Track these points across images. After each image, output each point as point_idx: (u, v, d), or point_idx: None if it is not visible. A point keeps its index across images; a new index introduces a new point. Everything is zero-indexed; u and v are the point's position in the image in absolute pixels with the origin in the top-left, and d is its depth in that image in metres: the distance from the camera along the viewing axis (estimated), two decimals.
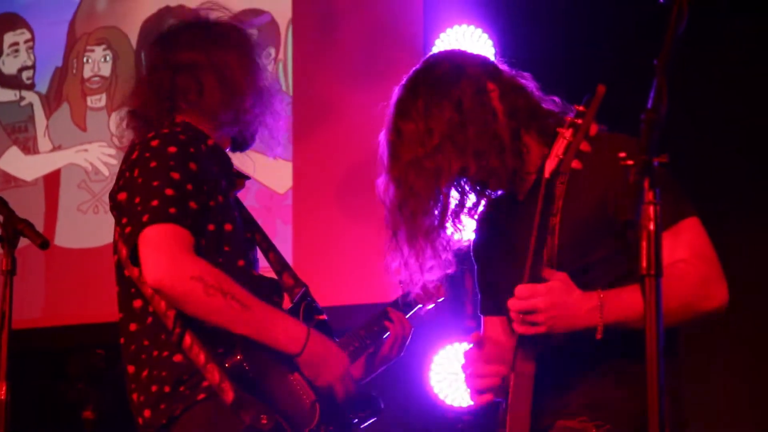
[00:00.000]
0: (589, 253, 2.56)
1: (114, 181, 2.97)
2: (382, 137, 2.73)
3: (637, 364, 1.99)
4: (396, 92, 2.74)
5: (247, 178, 3.14)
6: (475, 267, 2.88)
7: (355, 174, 4.87)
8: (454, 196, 2.69)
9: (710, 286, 2.52)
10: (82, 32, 5.58)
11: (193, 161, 2.87)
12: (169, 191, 2.80)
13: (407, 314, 3.18)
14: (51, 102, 5.57)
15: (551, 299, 2.42)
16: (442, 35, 4.81)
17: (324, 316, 3.06)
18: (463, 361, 2.62)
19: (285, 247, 3.21)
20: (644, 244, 1.88)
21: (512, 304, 2.45)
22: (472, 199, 2.72)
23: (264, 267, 3.12)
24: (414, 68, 2.77)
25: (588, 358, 2.54)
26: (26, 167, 5.54)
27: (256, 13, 5.23)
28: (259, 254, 3.13)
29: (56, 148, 5.51)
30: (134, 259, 2.81)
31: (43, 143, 5.54)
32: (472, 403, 2.72)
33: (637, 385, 2.05)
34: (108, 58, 5.52)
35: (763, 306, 4.47)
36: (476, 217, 2.79)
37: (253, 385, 2.77)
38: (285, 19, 5.25)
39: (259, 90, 3.08)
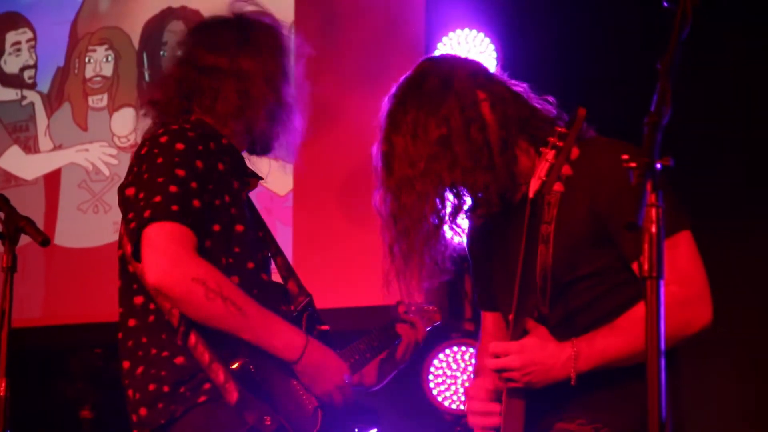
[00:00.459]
0: (582, 263, 2.57)
1: (113, 181, 2.97)
2: (375, 149, 2.74)
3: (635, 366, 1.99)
4: (386, 103, 2.74)
5: (261, 178, 3.11)
6: (470, 262, 2.89)
7: (356, 176, 4.87)
8: (451, 200, 2.70)
9: (692, 310, 2.51)
10: (84, 32, 5.58)
11: (200, 159, 2.86)
12: (172, 188, 2.79)
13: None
14: (52, 101, 5.57)
15: (525, 358, 2.45)
16: (444, 39, 4.81)
17: (326, 327, 3.04)
18: (462, 363, 2.63)
19: (285, 249, 3.20)
20: (646, 246, 1.88)
21: (488, 362, 2.49)
22: (468, 202, 2.73)
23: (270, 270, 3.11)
24: (404, 76, 2.77)
25: None
26: (27, 166, 5.54)
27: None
28: None
29: (57, 147, 5.51)
30: (138, 255, 2.80)
31: (44, 142, 5.54)
32: None
33: (635, 386, 2.05)
34: (110, 58, 5.52)
35: (763, 306, 4.48)
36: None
37: (257, 386, 2.77)
38: (287, 22, 5.24)
39: (279, 105, 3.04)
